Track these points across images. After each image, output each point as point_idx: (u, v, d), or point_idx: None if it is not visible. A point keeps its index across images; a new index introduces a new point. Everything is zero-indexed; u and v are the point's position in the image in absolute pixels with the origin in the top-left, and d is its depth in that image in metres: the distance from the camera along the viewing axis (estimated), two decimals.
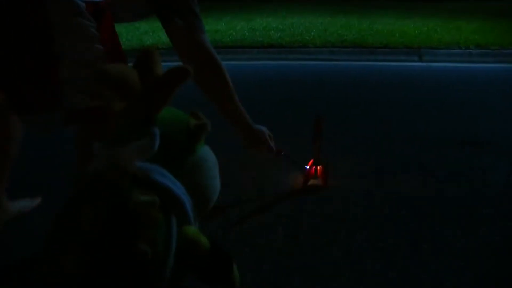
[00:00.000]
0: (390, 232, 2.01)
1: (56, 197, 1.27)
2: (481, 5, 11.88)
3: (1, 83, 1.54)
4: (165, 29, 1.70)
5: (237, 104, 1.95)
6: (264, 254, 1.84)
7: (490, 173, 2.66)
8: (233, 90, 1.88)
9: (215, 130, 1.26)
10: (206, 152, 1.14)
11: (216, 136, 1.39)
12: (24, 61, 1.49)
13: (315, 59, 6.66)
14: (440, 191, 2.41)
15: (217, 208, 1.71)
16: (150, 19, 8.38)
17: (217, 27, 8.68)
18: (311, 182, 2.41)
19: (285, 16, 9.91)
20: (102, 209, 0.94)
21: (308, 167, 2.40)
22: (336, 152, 2.89)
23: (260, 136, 2.08)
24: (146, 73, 1.07)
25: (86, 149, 1.20)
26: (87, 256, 0.92)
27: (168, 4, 1.67)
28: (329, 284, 1.67)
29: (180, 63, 1.10)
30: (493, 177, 2.60)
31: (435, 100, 4.30)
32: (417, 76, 5.65)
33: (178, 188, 1.02)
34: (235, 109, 1.95)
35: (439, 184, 2.50)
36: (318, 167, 2.41)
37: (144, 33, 8.44)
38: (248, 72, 5.94)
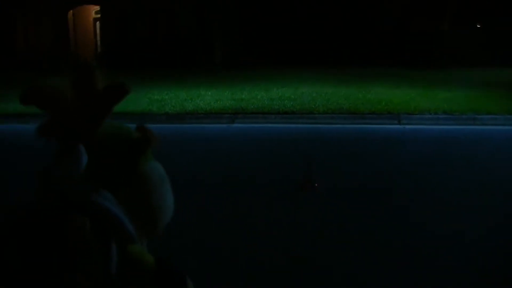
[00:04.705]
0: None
1: None
2: (461, 74, 14.00)
3: None
4: None
5: None
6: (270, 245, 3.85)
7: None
8: None
9: None
10: (152, 169, 1.04)
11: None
12: None
13: (319, 123, 8.77)
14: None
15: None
16: (187, 88, 11.26)
17: (241, 96, 10.91)
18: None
19: (297, 86, 12.13)
20: (28, 239, 0.88)
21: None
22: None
23: None
24: (83, 88, 0.98)
25: None
26: None
27: None
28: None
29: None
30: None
31: (403, 155, 6.33)
32: (395, 136, 7.77)
33: (116, 207, 0.96)
34: None
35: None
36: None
37: (184, 100, 10.68)
38: (267, 133, 8.07)
